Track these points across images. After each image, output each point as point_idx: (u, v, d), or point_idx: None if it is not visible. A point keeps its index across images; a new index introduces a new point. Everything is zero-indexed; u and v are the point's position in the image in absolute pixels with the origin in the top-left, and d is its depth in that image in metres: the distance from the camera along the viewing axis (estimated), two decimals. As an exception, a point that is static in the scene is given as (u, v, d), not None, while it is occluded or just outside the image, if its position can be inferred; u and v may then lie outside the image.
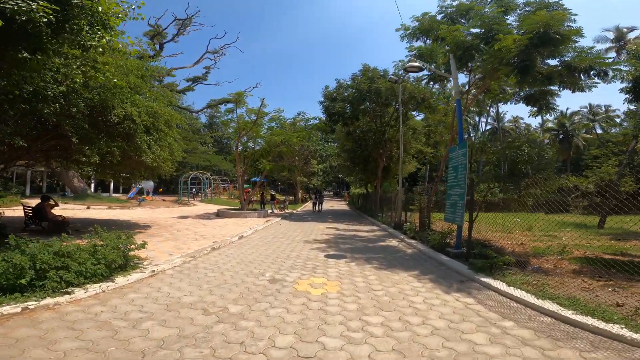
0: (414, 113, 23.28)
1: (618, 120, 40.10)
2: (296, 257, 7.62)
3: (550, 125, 45.62)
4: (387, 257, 7.93)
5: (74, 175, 27.07)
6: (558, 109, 12.55)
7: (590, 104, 45.29)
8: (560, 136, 43.96)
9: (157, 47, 35.13)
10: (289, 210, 24.55)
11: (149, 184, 41.69)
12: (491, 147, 11.32)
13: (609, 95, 78.39)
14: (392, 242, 10.46)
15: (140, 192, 35.34)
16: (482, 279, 5.74)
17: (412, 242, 9.96)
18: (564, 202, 7.34)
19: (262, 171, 19.55)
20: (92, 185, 34.54)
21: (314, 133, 22.92)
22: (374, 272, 6.38)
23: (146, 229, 11.45)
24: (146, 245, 6.05)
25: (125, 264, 5.62)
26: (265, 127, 19.94)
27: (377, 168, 22.13)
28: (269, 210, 21.94)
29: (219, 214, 18.19)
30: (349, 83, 20.78)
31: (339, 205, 39.58)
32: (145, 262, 6.22)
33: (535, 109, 12.48)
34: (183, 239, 9.50)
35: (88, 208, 20.26)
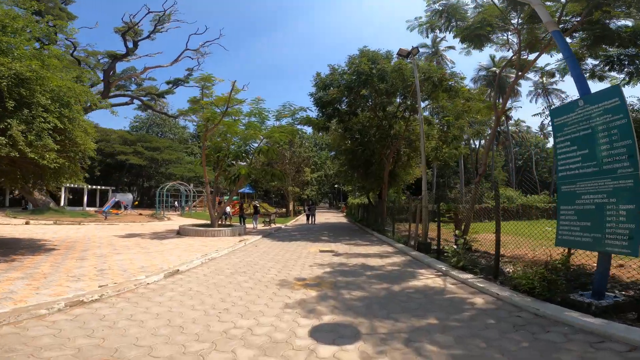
0: (423, 104, 19.32)
1: None
2: (244, 337, 3.35)
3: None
4: (450, 327, 3.64)
5: (33, 187, 22.97)
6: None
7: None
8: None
9: (130, 44, 31.27)
10: (277, 225, 20.21)
11: (127, 197, 37.45)
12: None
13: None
14: (432, 279, 6.19)
15: (118, 205, 30.97)
16: None
17: (468, 277, 5.75)
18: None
19: (238, 177, 15.32)
20: (63, 198, 30.62)
21: (302, 130, 18.86)
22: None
23: (33, 255, 7.10)
24: None
25: None
26: (244, 121, 15.93)
27: (382, 171, 17.96)
28: (252, 226, 17.67)
29: (179, 232, 13.90)
30: (345, 68, 16.77)
31: (336, 217, 35.10)
32: None
33: (623, 76, 8.82)
34: (54, 278, 5.20)
35: (27, 223, 17.03)
